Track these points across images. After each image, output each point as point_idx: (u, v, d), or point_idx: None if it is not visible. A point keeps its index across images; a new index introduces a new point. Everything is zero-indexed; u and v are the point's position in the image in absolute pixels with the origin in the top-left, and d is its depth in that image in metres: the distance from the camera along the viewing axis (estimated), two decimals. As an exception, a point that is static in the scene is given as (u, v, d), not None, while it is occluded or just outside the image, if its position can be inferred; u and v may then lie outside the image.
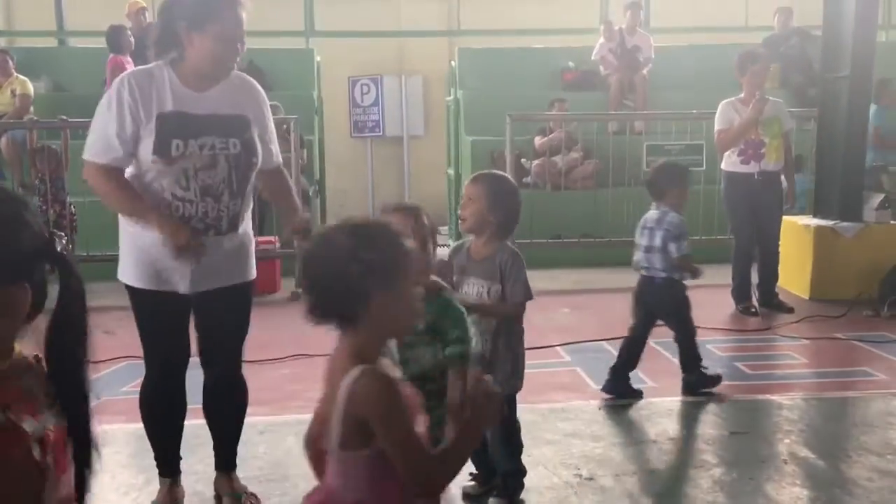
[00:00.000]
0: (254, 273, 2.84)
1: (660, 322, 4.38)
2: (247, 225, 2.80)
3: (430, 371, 2.21)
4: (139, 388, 2.88)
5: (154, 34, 2.66)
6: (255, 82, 2.83)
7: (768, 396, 4.14)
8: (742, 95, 5.73)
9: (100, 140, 2.60)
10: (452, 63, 9.95)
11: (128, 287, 2.73)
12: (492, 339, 2.71)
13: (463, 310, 2.33)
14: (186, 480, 3.13)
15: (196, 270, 2.64)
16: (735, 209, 5.81)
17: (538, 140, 8.00)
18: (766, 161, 5.61)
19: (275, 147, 2.88)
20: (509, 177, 2.93)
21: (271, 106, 7.72)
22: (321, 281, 1.54)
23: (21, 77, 8.07)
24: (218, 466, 2.98)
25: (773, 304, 5.73)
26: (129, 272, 2.71)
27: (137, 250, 2.66)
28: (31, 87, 8.07)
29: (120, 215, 2.71)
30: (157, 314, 2.72)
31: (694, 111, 7.62)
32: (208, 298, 2.72)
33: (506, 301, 2.72)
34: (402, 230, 1.59)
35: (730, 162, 5.73)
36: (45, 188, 6.71)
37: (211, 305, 2.74)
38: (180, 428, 2.89)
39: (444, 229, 8.84)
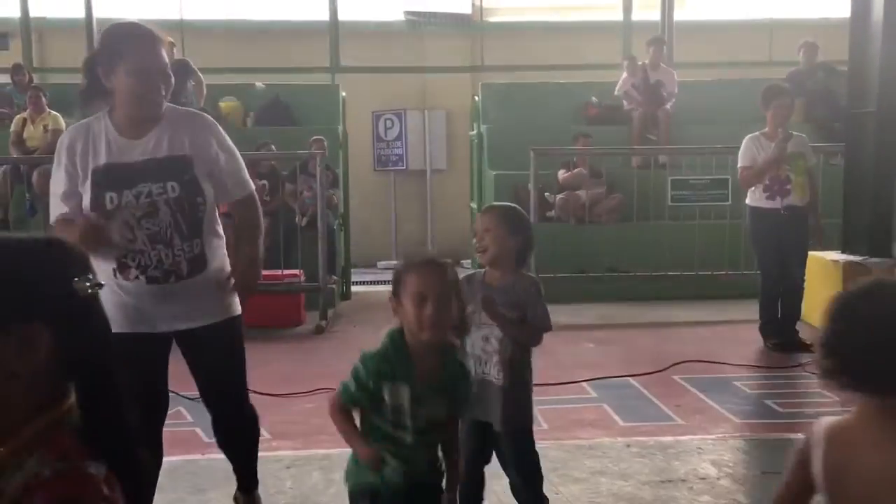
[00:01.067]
0: (237, 309, 2.75)
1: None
2: (219, 263, 2.70)
3: (437, 424, 2.20)
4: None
5: (83, 84, 2.64)
6: (202, 116, 2.77)
7: (800, 435, 4.06)
8: (766, 130, 5.72)
9: (51, 200, 2.67)
10: (476, 98, 10.04)
11: None
12: (510, 369, 2.67)
13: (469, 369, 2.34)
14: (212, 515, 3.12)
15: (170, 309, 2.61)
16: (761, 245, 5.75)
17: (562, 174, 8.01)
18: (792, 197, 5.57)
19: (235, 178, 2.73)
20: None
21: (315, 140, 7.70)
22: (872, 345, 1.40)
23: (53, 113, 8.23)
24: (239, 487, 2.98)
25: (793, 341, 5.65)
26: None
27: (111, 293, 2.59)
28: (62, 123, 8.21)
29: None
30: (134, 359, 2.67)
31: (718, 146, 7.60)
32: (192, 339, 2.68)
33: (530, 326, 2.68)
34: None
35: (755, 197, 5.69)
36: None
37: (197, 346, 2.70)
38: (153, 481, 2.75)
39: (466, 262, 8.85)
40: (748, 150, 5.68)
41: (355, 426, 2.17)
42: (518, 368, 2.67)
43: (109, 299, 2.58)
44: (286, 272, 6.73)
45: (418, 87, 11.77)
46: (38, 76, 10.34)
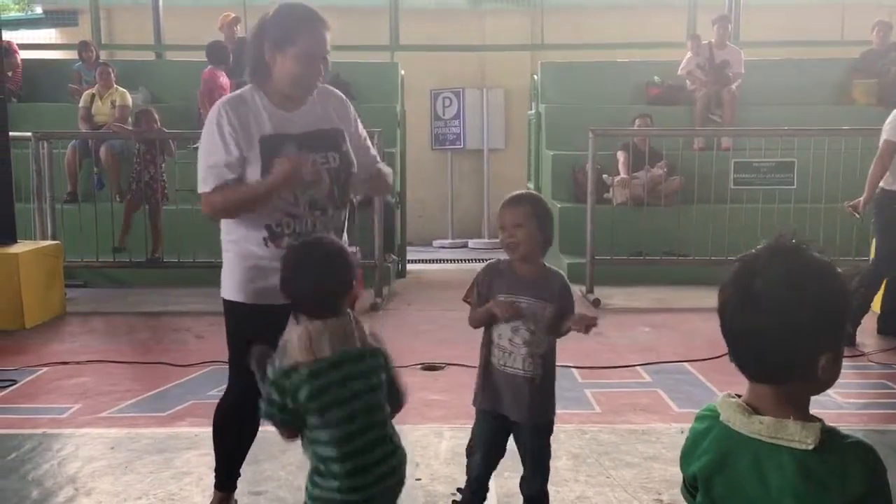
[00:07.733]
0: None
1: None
2: (344, 237, 2.83)
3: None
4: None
5: (248, 56, 2.71)
6: (337, 91, 2.86)
7: (861, 426, 3.96)
8: None
9: (208, 171, 2.63)
10: (535, 77, 9.94)
11: (228, 303, 2.74)
12: (542, 362, 2.63)
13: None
14: (268, 485, 3.20)
15: None
16: (890, 231, 5.26)
17: (622, 156, 7.90)
18: None
19: (370, 151, 2.88)
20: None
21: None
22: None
23: (121, 88, 8.44)
24: None
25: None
26: (231, 288, 2.73)
27: (241, 267, 2.69)
28: (129, 98, 8.44)
29: (223, 237, 2.75)
30: (256, 328, 2.68)
31: (785, 127, 7.40)
32: None
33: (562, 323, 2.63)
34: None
35: (888, 179, 5.23)
36: (143, 149, 7.24)
37: None
38: (248, 447, 2.91)
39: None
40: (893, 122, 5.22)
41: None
42: (550, 361, 2.66)
43: (246, 272, 2.67)
44: (343, 249, 6.78)
45: (477, 65, 11.72)
46: (105, 53, 10.60)
